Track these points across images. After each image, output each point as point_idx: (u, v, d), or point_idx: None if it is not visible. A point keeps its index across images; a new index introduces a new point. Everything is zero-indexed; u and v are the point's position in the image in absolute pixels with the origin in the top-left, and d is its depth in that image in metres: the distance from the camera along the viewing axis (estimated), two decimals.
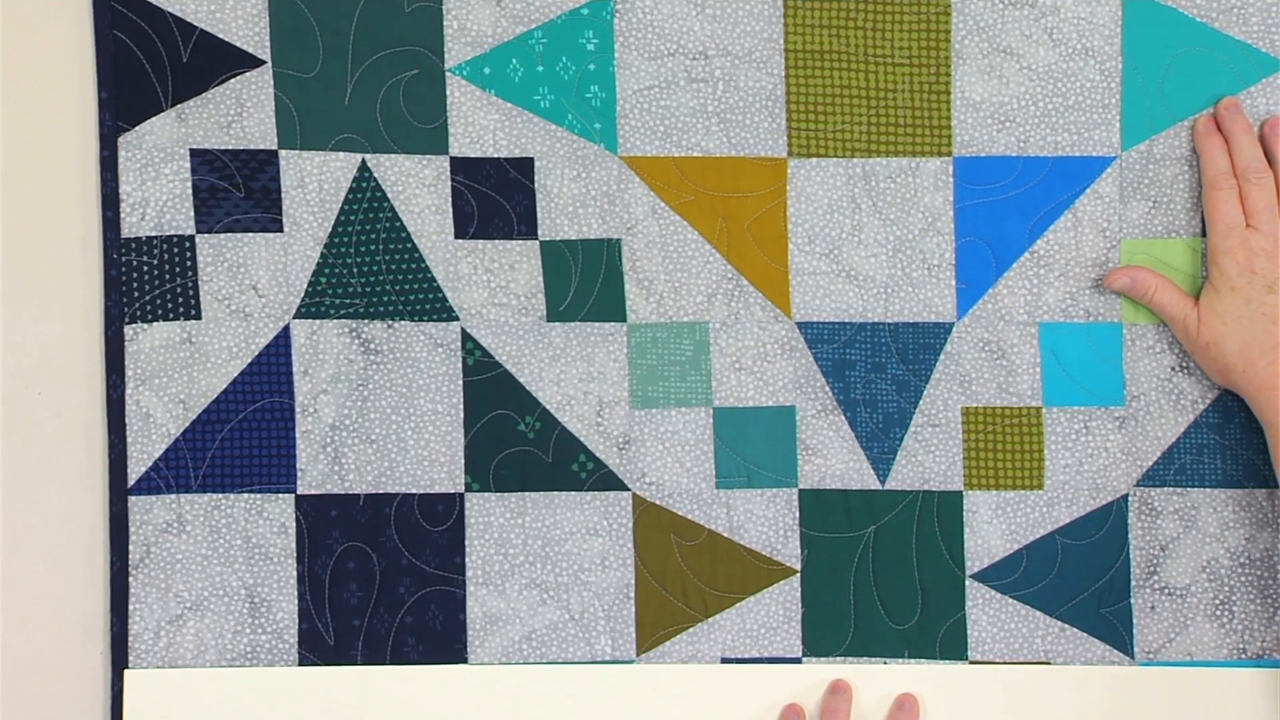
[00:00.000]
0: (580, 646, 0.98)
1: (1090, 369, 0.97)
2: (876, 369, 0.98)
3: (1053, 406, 0.97)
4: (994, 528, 0.97)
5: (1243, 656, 0.96)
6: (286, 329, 0.97)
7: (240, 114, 0.96)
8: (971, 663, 0.97)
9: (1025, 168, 0.97)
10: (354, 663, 0.97)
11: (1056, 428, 0.97)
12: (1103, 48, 0.96)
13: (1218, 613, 0.97)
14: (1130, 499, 0.97)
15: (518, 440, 0.98)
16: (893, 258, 0.98)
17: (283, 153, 0.97)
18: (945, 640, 0.97)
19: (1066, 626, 0.97)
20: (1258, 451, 0.96)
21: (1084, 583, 0.97)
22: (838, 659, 0.98)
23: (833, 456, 0.98)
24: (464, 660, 0.98)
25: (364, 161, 0.97)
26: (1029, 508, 0.97)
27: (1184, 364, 0.97)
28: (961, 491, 0.98)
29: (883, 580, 0.98)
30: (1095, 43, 0.96)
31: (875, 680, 0.97)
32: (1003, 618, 0.97)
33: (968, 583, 0.98)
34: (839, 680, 0.96)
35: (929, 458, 0.98)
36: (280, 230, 0.97)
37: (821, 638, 0.98)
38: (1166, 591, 0.97)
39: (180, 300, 0.96)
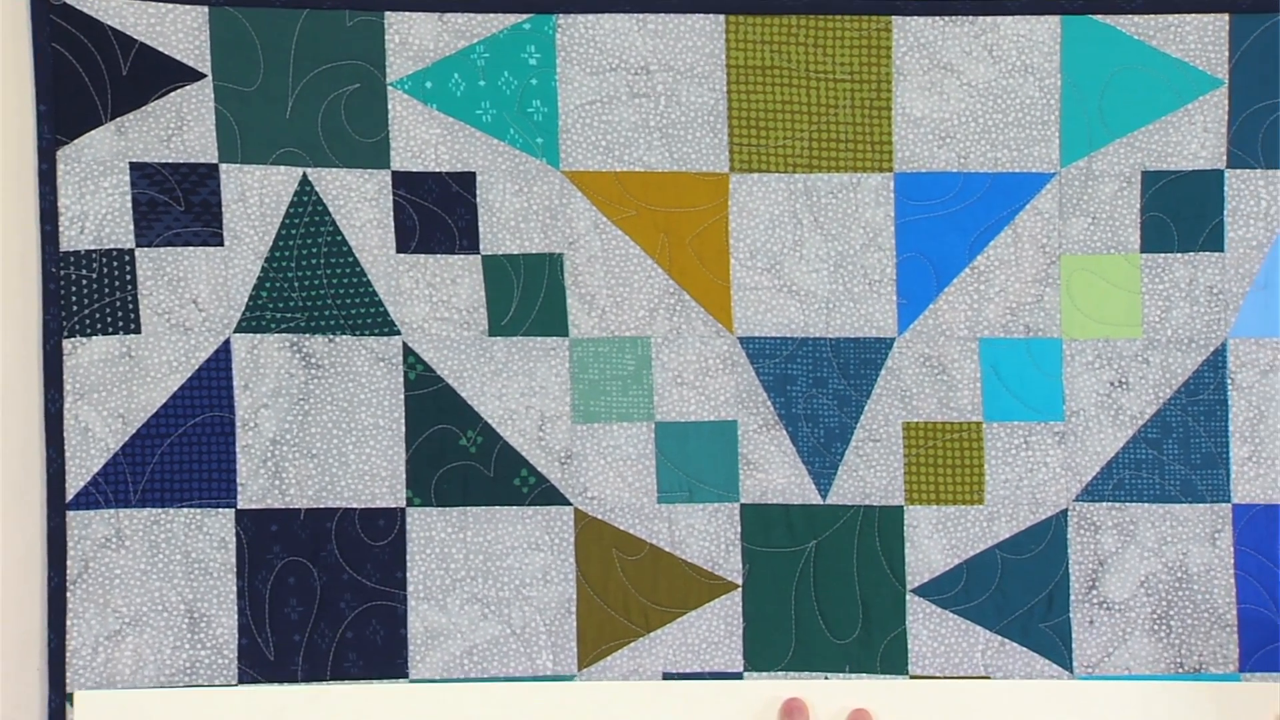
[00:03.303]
0: (522, 661, 0.98)
1: (1030, 384, 0.98)
2: (818, 384, 0.98)
3: (993, 421, 0.98)
4: (934, 542, 0.98)
5: (1180, 670, 0.97)
6: (227, 343, 0.97)
7: (180, 127, 0.96)
8: (912, 677, 0.97)
9: (966, 184, 0.97)
10: (295, 679, 0.97)
11: (997, 443, 0.98)
12: (1042, 65, 0.96)
13: (1156, 627, 0.97)
14: (1070, 514, 0.97)
15: (459, 455, 0.98)
16: (834, 273, 0.98)
17: (223, 166, 0.96)
18: (886, 654, 0.98)
19: (1006, 641, 0.97)
20: (1194, 467, 0.97)
21: (1024, 597, 0.97)
22: (779, 674, 0.98)
23: (774, 471, 0.98)
24: (405, 675, 0.97)
25: (305, 175, 0.97)
26: (969, 522, 0.98)
27: (1123, 379, 0.97)
28: (902, 506, 0.98)
29: (824, 595, 0.98)
30: (1035, 60, 0.96)
31: (826, 695, 0.97)
32: (943, 632, 0.98)
33: (908, 597, 0.98)
34: (793, 699, 0.96)
35: (870, 473, 0.98)
36: (221, 244, 0.97)
37: (763, 652, 0.98)
38: (1105, 606, 0.97)
39: (119, 314, 0.96)
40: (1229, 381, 0.97)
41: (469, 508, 0.98)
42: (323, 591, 0.97)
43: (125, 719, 0.96)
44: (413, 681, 0.97)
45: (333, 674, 0.97)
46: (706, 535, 0.98)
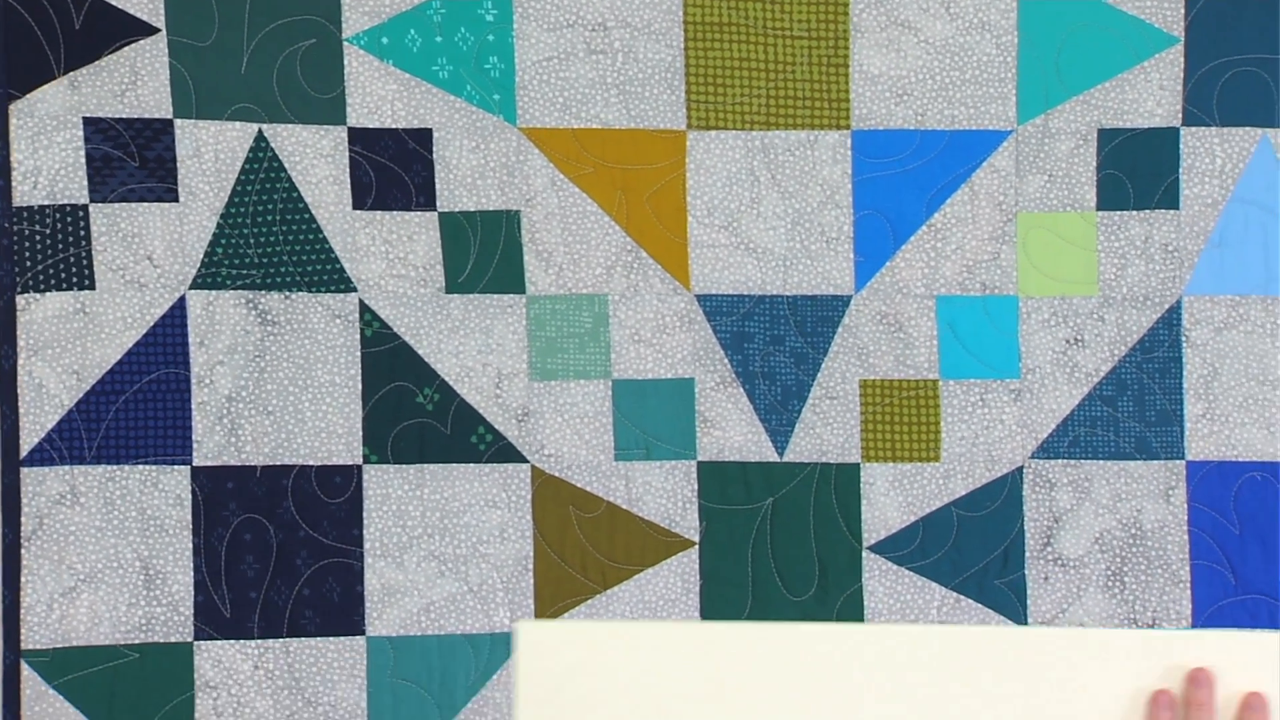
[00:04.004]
0: (479, 618, 0.98)
1: (986, 342, 0.98)
2: (775, 342, 0.98)
3: (949, 379, 0.98)
4: (891, 499, 0.98)
5: (1134, 626, 0.97)
6: (182, 300, 0.96)
7: (135, 82, 0.95)
8: None
9: (923, 141, 0.97)
10: (250, 635, 0.97)
11: (953, 400, 0.98)
12: (999, 22, 0.96)
13: (1110, 583, 0.97)
14: (1025, 471, 0.98)
15: (416, 412, 0.98)
16: (791, 231, 0.98)
17: (178, 122, 0.96)
18: (842, 611, 0.98)
19: (961, 597, 0.98)
20: (1149, 424, 0.97)
21: (979, 554, 0.98)
22: None
23: (731, 429, 0.98)
24: (361, 632, 0.97)
25: (260, 131, 0.96)
26: (925, 480, 0.98)
27: (1079, 337, 0.97)
28: (859, 463, 0.98)
29: (780, 552, 0.98)
30: (991, 17, 0.96)
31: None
32: (899, 589, 0.98)
33: (864, 554, 0.98)
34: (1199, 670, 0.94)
35: (827, 430, 0.98)
36: (176, 200, 0.96)
37: (719, 609, 0.98)
38: (1060, 562, 0.98)
39: (74, 270, 0.95)
40: (1184, 339, 0.97)
41: (426, 465, 0.98)
42: (279, 548, 0.97)
43: (568, 649, 0.95)
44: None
45: (289, 631, 0.97)
46: (663, 493, 0.98)
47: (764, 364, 0.98)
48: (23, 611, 0.96)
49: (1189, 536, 0.97)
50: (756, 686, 0.93)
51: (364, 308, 0.97)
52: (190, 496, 0.97)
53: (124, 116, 0.95)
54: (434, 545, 0.98)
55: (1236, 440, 0.97)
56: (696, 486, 0.98)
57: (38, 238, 0.95)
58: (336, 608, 0.97)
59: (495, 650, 0.98)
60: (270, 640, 0.97)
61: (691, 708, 0.93)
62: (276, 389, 0.97)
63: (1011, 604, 0.98)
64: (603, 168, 0.98)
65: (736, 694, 0.94)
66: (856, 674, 0.88)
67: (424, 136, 0.97)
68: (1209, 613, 0.97)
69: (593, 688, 0.94)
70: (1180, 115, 0.96)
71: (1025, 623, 0.97)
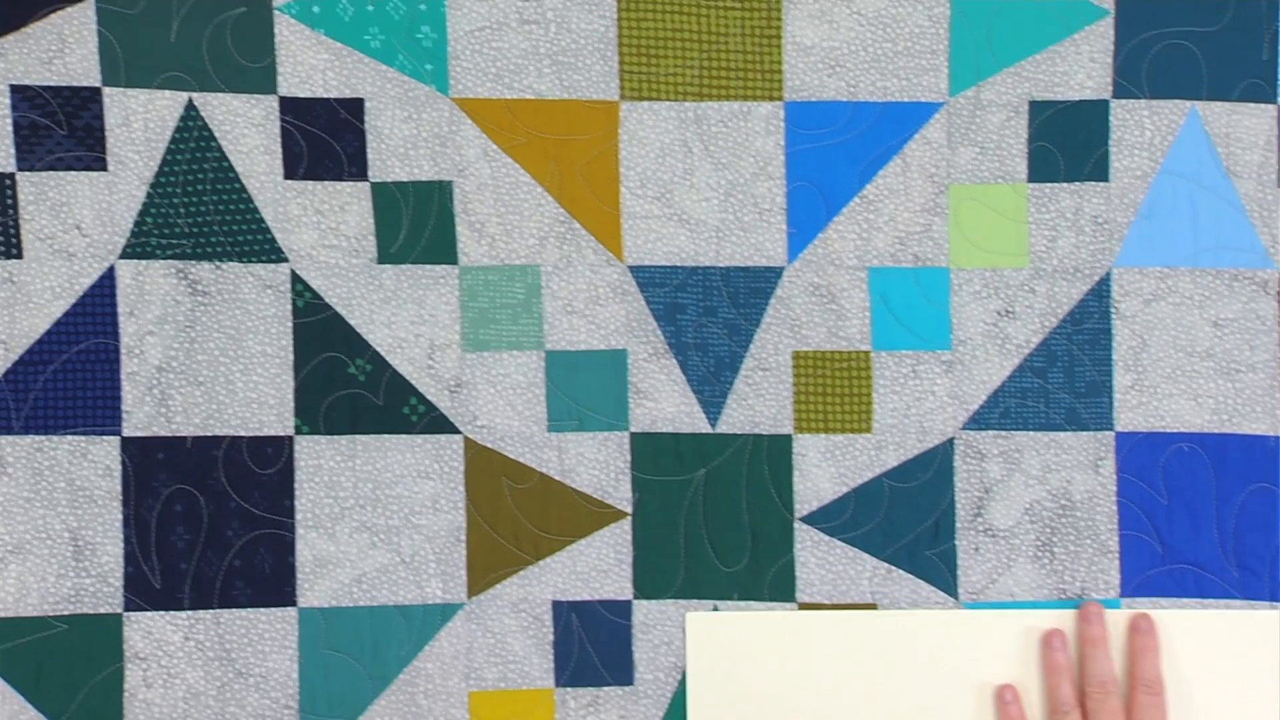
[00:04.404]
0: (411, 590, 0.98)
1: (918, 313, 0.98)
2: (708, 313, 0.98)
3: (881, 351, 0.98)
4: (823, 471, 0.98)
5: (1063, 596, 0.98)
6: (111, 269, 0.96)
7: (62, 50, 0.94)
8: (800, 605, 0.98)
9: (855, 113, 0.98)
10: (181, 607, 0.97)
11: (885, 372, 0.98)
12: None
13: (1039, 554, 0.98)
14: (956, 442, 0.98)
15: (348, 383, 0.98)
16: (724, 202, 0.98)
17: (107, 90, 0.95)
18: (774, 582, 0.98)
19: (893, 569, 0.98)
20: (1079, 395, 0.98)
21: (910, 525, 0.98)
22: (668, 601, 0.98)
23: (664, 400, 0.98)
24: (293, 604, 0.97)
25: (191, 100, 0.96)
26: (857, 451, 0.98)
27: (1010, 309, 0.98)
28: (791, 435, 0.98)
29: (713, 523, 0.98)
30: None
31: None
32: (830, 560, 0.98)
33: (796, 525, 0.98)
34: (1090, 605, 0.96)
35: (759, 401, 0.98)
36: (104, 169, 0.96)
37: (652, 580, 0.98)
38: (990, 533, 0.98)
39: (0, 239, 0.95)
40: (1113, 310, 0.98)
41: (358, 436, 0.98)
42: (210, 520, 0.97)
43: (735, 638, 0.96)
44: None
45: (220, 602, 0.97)
46: (596, 464, 0.98)
47: (697, 335, 0.98)
48: None
49: (1118, 507, 0.98)
50: (918, 673, 0.95)
51: (295, 278, 0.97)
52: (120, 467, 0.96)
53: (52, 84, 0.95)
54: (366, 516, 0.98)
55: (1165, 411, 0.98)
56: (629, 458, 0.98)
57: None
58: (268, 579, 0.97)
59: (428, 621, 0.98)
60: (201, 611, 0.97)
61: (856, 694, 0.95)
62: (207, 359, 0.97)
63: (942, 575, 0.98)
64: (535, 138, 0.98)
65: (900, 681, 0.96)
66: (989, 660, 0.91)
67: (356, 106, 0.97)
68: (1137, 582, 0.97)
69: (759, 675, 0.96)
70: (1110, 88, 0.97)
71: (955, 593, 0.98)
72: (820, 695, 0.97)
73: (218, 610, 0.97)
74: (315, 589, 0.98)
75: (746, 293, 0.98)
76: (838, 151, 0.98)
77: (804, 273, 0.98)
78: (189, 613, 0.97)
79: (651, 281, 0.98)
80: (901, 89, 0.97)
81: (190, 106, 0.96)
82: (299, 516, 0.97)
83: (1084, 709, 0.94)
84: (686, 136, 0.98)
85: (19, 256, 0.95)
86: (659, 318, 0.98)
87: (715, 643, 0.97)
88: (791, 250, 0.98)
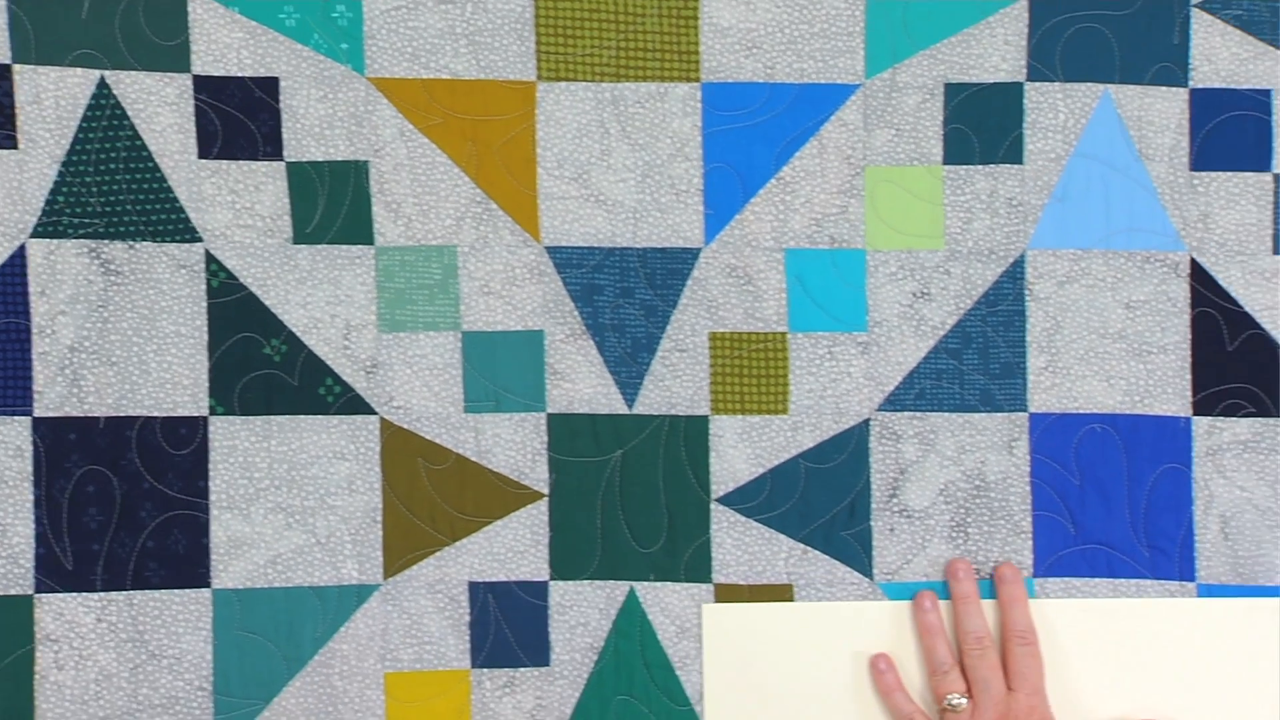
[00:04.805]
0: (326, 571, 0.98)
1: (834, 295, 0.98)
2: (625, 294, 0.98)
3: (797, 332, 0.98)
4: (739, 452, 0.98)
5: (978, 577, 0.98)
6: (22, 248, 0.95)
7: None
8: (716, 585, 0.98)
9: (772, 94, 0.98)
10: (93, 588, 0.96)
11: (801, 353, 0.98)
12: None
13: (954, 534, 0.98)
14: (872, 423, 0.99)
15: (263, 363, 0.97)
16: (641, 183, 0.98)
17: (17, 67, 0.94)
18: (690, 563, 0.98)
19: (809, 549, 0.98)
20: (993, 377, 0.98)
21: (826, 506, 0.98)
22: (584, 582, 0.98)
23: (581, 381, 0.98)
24: (207, 585, 0.97)
25: (103, 78, 0.95)
26: (774, 432, 0.98)
27: (925, 290, 0.98)
28: (708, 416, 0.98)
29: (629, 504, 0.98)
30: None
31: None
32: (746, 540, 0.98)
33: (713, 506, 0.98)
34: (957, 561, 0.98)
35: (676, 383, 0.98)
36: (15, 147, 0.95)
37: (569, 561, 0.98)
38: (905, 514, 0.99)
39: None
40: (1027, 292, 0.98)
41: (273, 417, 0.97)
42: (123, 500, 0.96)
43: (746, 630, 0.97)
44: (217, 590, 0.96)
45: (133, 583, 0.96)
46: (513, 445, 0.98)
47: (614, 316, 0.98)
48: None
49: (1031, 488, 0.98)
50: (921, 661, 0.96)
51: (210, 258, 0.97)
52: (31, 448, 0.95)
53: None
54: (281, 497, 0.97)
55: (1077, 393, 0.98)
56: (546, 439, 0.98)
57: None
58: (182, 560, 0.97)
59: (343, 602, 0.97)
60: (113, 593, 0.96)
61: (865, 681, 0.96)
62: (120, 339, 0.96)
63: (858, 555, 0.98)
64: (452, 118, 0.97)
65: (905, 668, 0.96)
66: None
67: (270, 85, 0.96)
68: (1049, 562, 0.98)
69: (771, 663, 0.96)
70: (1025, 70, 0.97)
71: (871, 574, 0.98)
72: (830, 683, 0.98)
73: (130, 591, 0.96)
74: (230, 570, 0.97)
75: (663, 274, 0.98)
76: (754, 133, 0.98)
77: (721, 254, 0.98)
78: (101, 594, 0.96)
79: (568, 262, 0.98)
80: (818, 71, 0.98)
81: (102, 84, 0.95)
82: (213, 497, 0.97)
83: (963, 666, 0.95)
84: (603, 117, 0.98)
85: None
86: (576, 299, 0.98)
87: (729, 633, 0.98)
88: (708, 232, 0.98)
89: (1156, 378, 0.98)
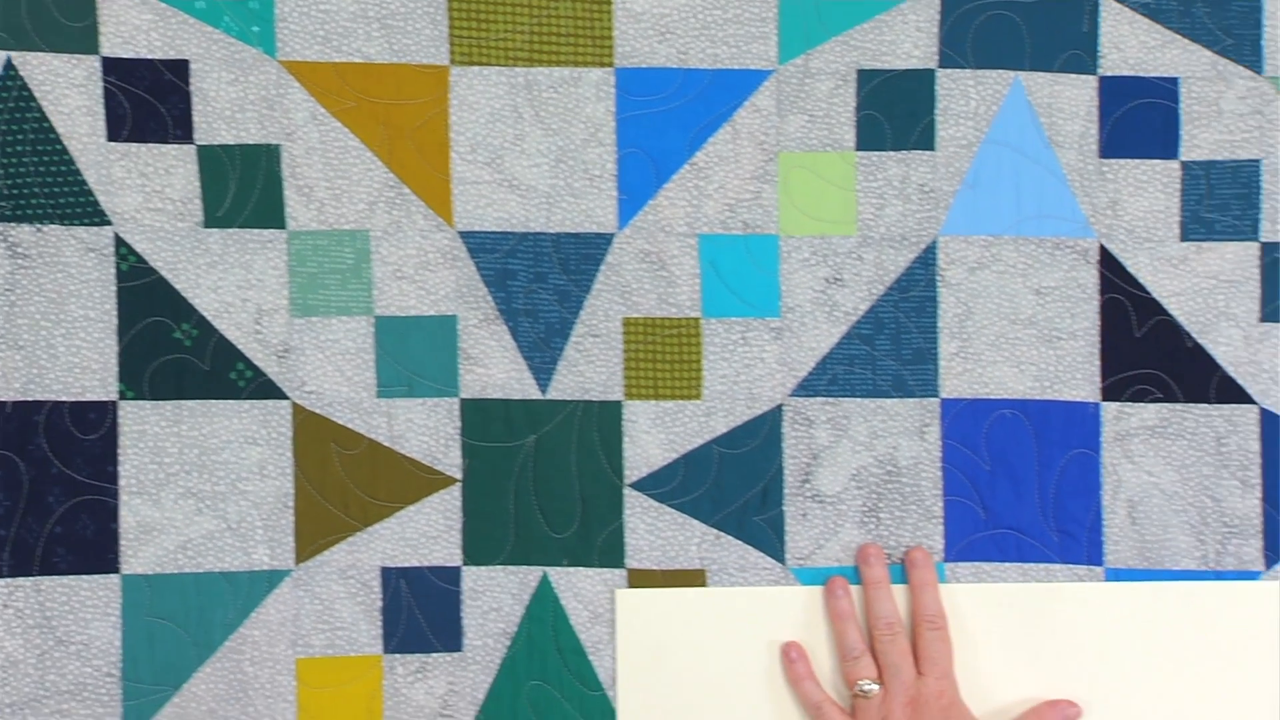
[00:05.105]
0: (237, 556, 0.97)
1: (748, 281, 0.99)
2: (538, 279, 0.98)
3: (711, 317, 0.99)
4: (652, 437, 0.98)
5: (890, 561, 0.99)
6: None
7: None
8: (629, 570, 0.98)
9: (686, 80, 0.98)
10: (0, 574, 0.95)
11: (715, 339, 0.99)
12: None
13: (865, 519, 0.99)
14: (785, 409, 0.99)
15: (174, 348, 0.97)
16: (555, 168, 0.98)
17: None
18: (604, 548, 0.98)
19: (721, 534, 0.99)
20: (905, 362, 0.99)
21: (739, 491, 0.99)
22: (497, 567, 0.98)
23: (494, 366, 0.98)
24: (115, 570, 0.96)
25: (9, 60, 0.94)
26: (687, 417, 0.98)
27: (838, 276, 0.98)
28: (621, 401, 0.98)
29: (543, 489, 0.98)
30: None
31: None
32: (660, 525, 0.98)
33: (626, 491, 0.98)
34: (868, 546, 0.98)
35: (590, 368, 0.98)
36: None
37: (482, 547, 0.98)
38: (818, 499, 0.99)
39: None
40: (938, 278, 0.99)
41: (184, 401, 0.97)
42: (30, 486, 0.96)
43: (660, 615, 0.97)
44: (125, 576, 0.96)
45: (40, 569, 0.96)
46: (426, 430, 0.98)
47: (527, 301, 0.98)
48: None
49: (942, 473, 0.99)
50: (833, 645, 0.95)
51: (119, 241, 0.96)
52: None
53: None
54: (191, 482, 0.97)
55: (988, 378, 0.99)
56: (459, 424, 0.98)
57: None
58: (90, 545, 0.96)
59: (254, 588, 0.97)
60: (20, 579, 0.96)
61: (776, 666, 0.96)
62: (28, 323, 0.95)
63: (770, 540, 0.99)
64: (365, 102, 0.97)
65: (815, 653, 0.96)
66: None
67: (180, 68, 0.96)
68: (960, 547, 0.98)
69: (686, 649, 0.96)
70: (937, 57, 0.98)
71: (783, 559, 0.99)
72: (742, 668, 0.98)
73: (38, 577, 0.96)
74: (139, 556, 0.96)
75: (577, 259, 0.98)
76: (668, 118, 0.98)
77: (634, 239, 0.98)
78: (8, 580, 0.95)
79: (482, 247, 0.98)
80: (732, 56, 0.98)
81: (9, 66, 0.94)
82: (122, 483, 0.96)
83: (874, 651, 0.95)
84: (517, 102, 0.98)
85: None
86: (489, 284, 0.98)
87: (642, 618, 0.98)
88: (622, 217, 0.98)
89: (1066, 363, 0.99)
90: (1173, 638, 0.97)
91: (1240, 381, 0.98)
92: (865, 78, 0.98)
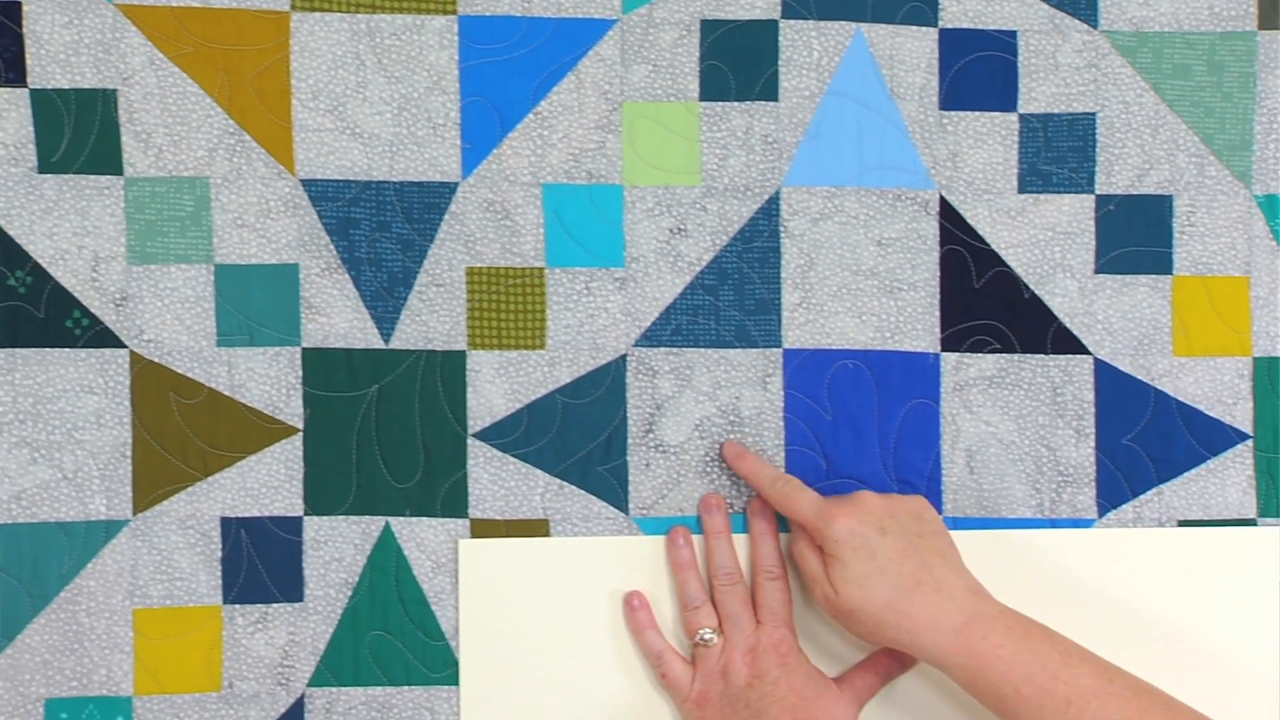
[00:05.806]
0: (74, 506, 0.96)
1: (592, 230, 0.98)
2: (381, 228, 0.98)
3: (555, 267, 0.98)
4: (496, 387, 0.98)
5: (731, 511, 0.99)
6: None
7: None
8: (472, 520, 0.98)
9: (529, 28, 0.97)
10: None
11: (559, 288, 0.98)
12: None
13: (708, 469, 0.99)
14: (629, 359, 0.99)
15: (7, 295, 0.95)
16: (398, 116, 0.97)
17: None
18: (447, 498, 0.98)
19: (565, 484, 0.99)
20: (749, 313, 0.99)
21: (583, 441, 0.99)
22: (339, 517, 0.98)
23: (336, 315, 0.98)
24: None
25: None
26: (531, 367, 0.98)
27: (682, 226, 0.99)
28: (465, 351, 0.98)
29: (385, 439, 0.98)
30: None
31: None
32: (503, 476, 0.98)
33: (469, 441, 0.98)
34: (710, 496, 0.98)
35: (433, 317, 0.98)
36: None
37: (323, 497, 0.98)
38: (661, 449, 0.99)
39: None
40: (782, 229, 0.99)
41: (18, 350, 0.96)
42: None
43: (503, 565, 0.97)
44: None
45: None
46: (267, 379, 0.97)
47: (370, 250, 0.98)
48: None
49: (784, 423, 0.99)
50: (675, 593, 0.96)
51: None
52: None
53: None
54: (26, 431, 0.96)
55: (830, 329, 0.99)
56: (300, 373, 0.98)
57: None
58: None
59: (90, 538, 0.96)
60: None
61: (618, 614, 0.96)
62: None
63: (614, 490, 0.99)
64: (204, 48, 0.96)
65: (657, 601, 0.96)
66: None
67: (13, 10, 0.94)
68: None
69: (529, 599, 0.95)
70: (779, 8, 0.98)
71: (626, 509, 0.99)
72: (585, 618, 0.98)
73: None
74: None
75: (420, 208, 0.98)
76: (512, 67, 0.98)
77: (478, 188, 0.98)
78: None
79: (324, 195, 0.97)
80: (575, 5, 0.97)
81: None
82: None
83: (714, 601, 0.96)
84: (359, 49, 0.97)
85: None
86: (331, 232, 0.97)
87: (485, 568, 0.97)
88: (466, 166, 0.98)
89: (907, 314, 0.99)
90: (1009, 586, 0.98)
91: (1075, 332, 1.00)
92: (709, 28, 0.98)
